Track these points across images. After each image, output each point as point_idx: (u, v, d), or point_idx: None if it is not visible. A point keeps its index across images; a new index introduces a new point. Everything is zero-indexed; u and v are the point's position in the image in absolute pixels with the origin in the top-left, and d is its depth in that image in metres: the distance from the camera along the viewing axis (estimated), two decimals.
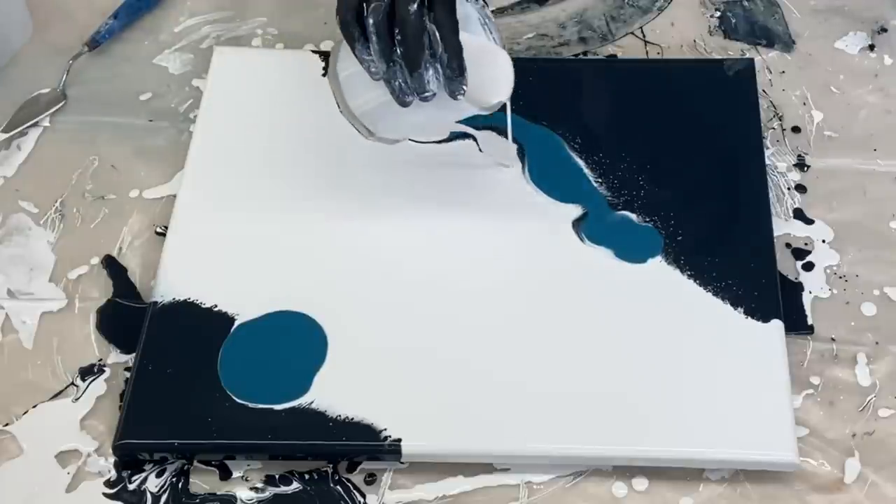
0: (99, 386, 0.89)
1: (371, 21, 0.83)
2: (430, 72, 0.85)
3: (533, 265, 0.92)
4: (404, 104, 0.86)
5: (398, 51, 0.84)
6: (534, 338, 0.88)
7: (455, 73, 0.84)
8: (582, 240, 0.93)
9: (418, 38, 0.83)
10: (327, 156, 0.99)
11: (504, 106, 0.90)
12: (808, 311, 0.91)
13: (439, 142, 0.99)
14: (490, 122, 0.99)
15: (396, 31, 0.84)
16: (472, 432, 0.84)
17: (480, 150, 0.98)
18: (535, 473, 0.84)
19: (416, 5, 0.83)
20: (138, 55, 1.09)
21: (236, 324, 0.89)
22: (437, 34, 0.83)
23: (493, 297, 0.90)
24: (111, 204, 0.99)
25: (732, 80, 1.02)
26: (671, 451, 0.83)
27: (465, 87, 0.85)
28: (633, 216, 0.94)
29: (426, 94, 0.85)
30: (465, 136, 0.98)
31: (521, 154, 0.98)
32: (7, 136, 1.02)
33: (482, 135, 0.99)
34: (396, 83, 0.85)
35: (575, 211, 0.95)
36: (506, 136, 0.97)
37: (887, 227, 0.95)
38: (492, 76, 0.87)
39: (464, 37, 0.85)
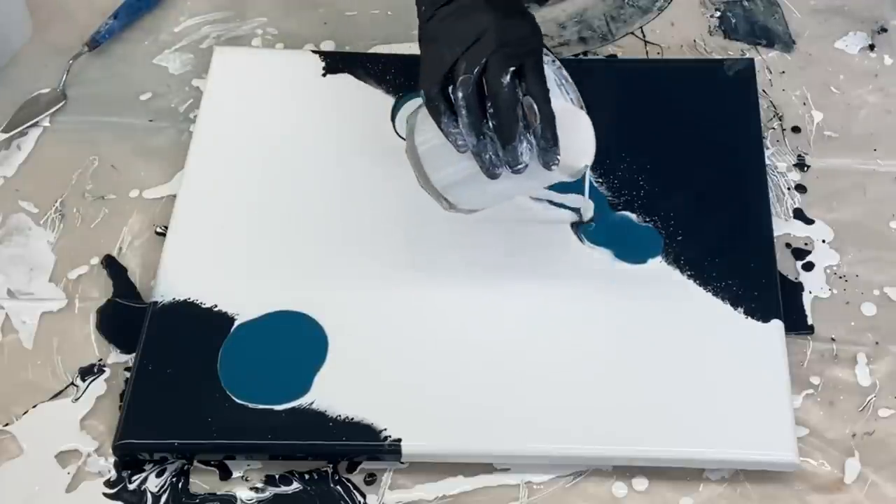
0: (99, 386, 0.89)
1: (460, 94, 0.81)
2: (524, 143, 0.81)
3: (533, 266, 0.92)
4: (493, 176, 0.82)
5: (489, 123, 0.81)
6: (534, 338, 0.88)
7: (549, 144, 0.81)
8: (581, 240, 0.93)
9: (512, 111, 0.80)
10: (327, 155, 0.99)
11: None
12: (808, 311, 0.91)
13: None
14: None
15: (488, 103, 0.81)
16: (472, 432, 0.84)
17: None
18: (535, 473, 0.84)
19: (508, 77, 0.80)
20: (138, 55, 1.09)
21: (236, 324, 0.89)
22: (534, 106, 0.80)
23: (492, 297, 0.90)
24: (111, 204, 0.99)
25: (732, 80, 1.02)
26: (671, 451, 0.83)
27: (559, 157, 0.81)
28: (633, 216, 0.94)
29: (519, 166, 0.82)
30: None
31: None
32: (7, 136, 1.02)
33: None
34: (487, 156, 0.82)
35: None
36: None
37: (887, 227, 0.95)
38: (575, 139, 0.84)
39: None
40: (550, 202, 0.95)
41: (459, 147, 0.82)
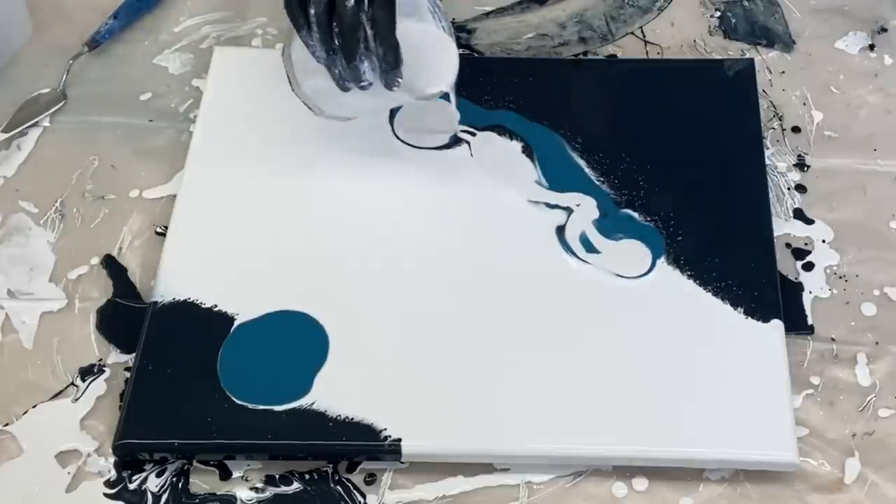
0: (99, 386, 0.89)
1: (312, 11, 0.86)
2: (366, 63, 0.87)
3: (533, 266, 0.92)
4: (344, 89, 0.89)
5: (336, 41, 0.86)
6: (534, 338, 0.88)
7: (390, 66, 0.86)
8: (565, 250, 0.93)
9: (353, 33, 0.85)
10: (327, 155, 0.99)
11: (448, 96, 0.91)
12: (808, 311, 0.91)
13: (439, 147, 0.99)
14: (491, 122, 0.99)
15: (335, 22, 0.86)
16: (472, 432, 0.84)
17: (472, 154, 0.98)
18: (535, 473, 0.84)
19: (353, 1, 0.85)
20: (138, 55, 1.09)
21: (236, 324, 0.89)
22: (373, 31, 0.85)
23: (493, 297, 0.90)
24: (111, 204, 0.99)
25: (732, 80, 1.02)
26: (671, 451, 0.83)
27: (399, 80, 0.86)
28: (636, 215, 0.94)
29: (362, 83, 0.88)
30: (463, 141, 0.99)
31: (531, 154, 0.98)
32: (7, 136, 1.02)
33: (480, 137, 0.99)
34: (336, 70, 0.88)
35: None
36: (510, 136, 0.98)
37: (887, 227, 0.95)
38: (432, 63, 0.89)
39: (409, 25, 0.87)
40: (547, 204, 0.95)
41: (317, 58, 0.88)
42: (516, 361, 0.87)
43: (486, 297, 0.90)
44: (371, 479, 0.84)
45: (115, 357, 0.90)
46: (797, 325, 0.90)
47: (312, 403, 0.85)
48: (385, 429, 0.84)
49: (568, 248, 0.92)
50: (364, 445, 0.84)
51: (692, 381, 0.86)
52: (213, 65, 1.05)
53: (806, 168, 0.99)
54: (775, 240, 0.93)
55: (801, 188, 0.98)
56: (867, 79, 1.05)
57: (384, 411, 0.85)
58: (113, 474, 0.85)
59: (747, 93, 1.01)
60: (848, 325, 0.90)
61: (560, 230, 0.93)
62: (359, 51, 0.86)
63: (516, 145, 0.98)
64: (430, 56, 0.89)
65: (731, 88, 1.02)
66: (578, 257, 0.92)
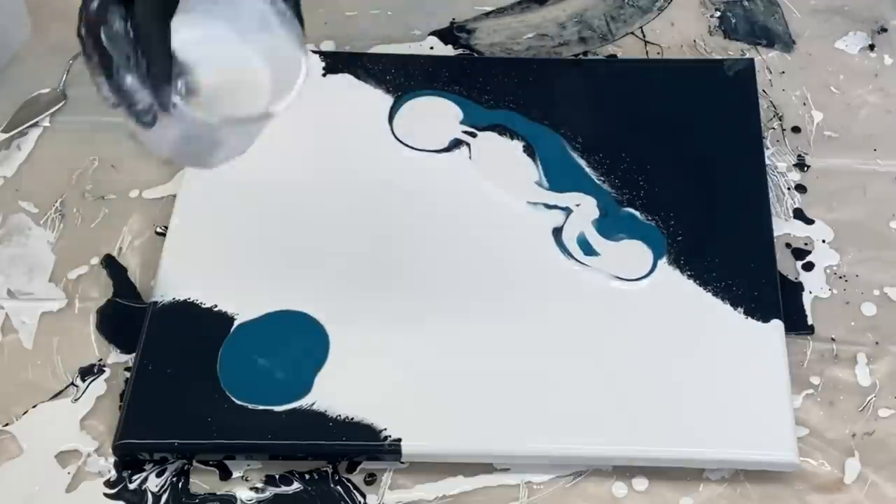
0: (99, 386, 0.89)
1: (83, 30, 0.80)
2: (131, 80, 0.76)
3: (533, 266, 0.92)
4: (140, 121, 0.77)
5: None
6: (534, 337, 0.88)
7: (157, 81, 0.75)
8: (562, 251, 0.93)
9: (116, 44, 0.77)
10: (328, 155, 0.99)
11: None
12: (808, 311, 0.91)
13: (439, 150, 0.99)
14: (492, 122, 0.99)
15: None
16: (472, 432, 0.84)
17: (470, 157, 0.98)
18: (535, 473, 0.84)
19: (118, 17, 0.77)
20: None
21: (236, 324, 0.89)
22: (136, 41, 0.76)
23: (493, 297, 0.90)
24: (111, 204, 0.99)
25: (732, 80, 1.02)
26: (671, 451, 0.83)
27: (175, 101, 0.74)
28: (638, 213, 0.94)
29: (136, 105, 0.76)
30: (463, 142, 0.99)
31: (532, 154, 0.98)
32: (7, 136, 1.02)
33: (479, 139, 0.99)
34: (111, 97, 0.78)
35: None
36: (510, 136, 0.98)
37: (887, 227, 0.95)
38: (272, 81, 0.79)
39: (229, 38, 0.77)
40: (546, 205, 0.95)
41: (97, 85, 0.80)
42: (516, 361, 0.87)
43: (487, 298, 0.90)
44: (371, 479, 0.84)
45: (115, 357, 0.90)
46: (797, 325, 0.90)
47: (312, 403, 0.85)
48: (385, 429, 0.84)
49: (565, 250, 0.92)
50: (364, 445, 0.84)
51: (692, 381, 0.86)
52: None
53: (806, 168, 0.99)
54: (775, 240, 0.93)
55: (801, 188, 0.98)
56: (867, 79, 1.04)
57: (384, 411, 0.85)
58: (113, 474, 0.85)
59: (747, 93, 1.01)
60: (848, 325, 0.90)
61: (557, 232, 0.93)
62: (115, 62, 0.76)
63: (517, 145, 0.98)
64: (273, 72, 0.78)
65: (731, 88, 1.01)
66: (576, 259, 0.92)
